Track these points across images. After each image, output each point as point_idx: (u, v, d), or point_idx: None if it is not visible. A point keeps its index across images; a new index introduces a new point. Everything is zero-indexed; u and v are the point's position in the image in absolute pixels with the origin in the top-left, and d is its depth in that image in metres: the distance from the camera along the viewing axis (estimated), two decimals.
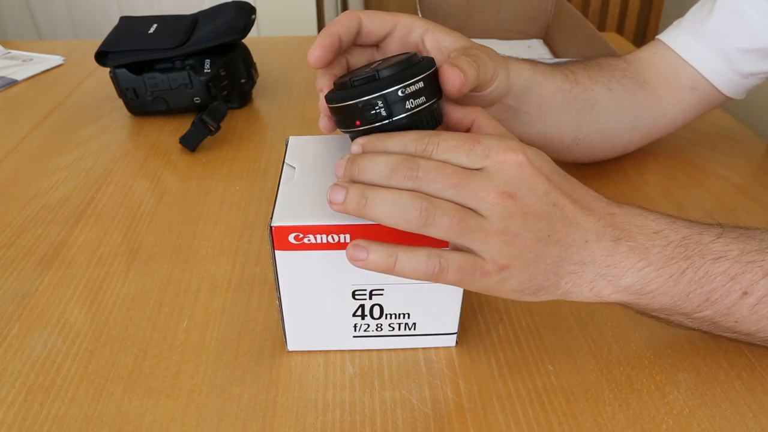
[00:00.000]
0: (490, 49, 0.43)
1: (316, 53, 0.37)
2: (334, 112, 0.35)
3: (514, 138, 0.34)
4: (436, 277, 0.32)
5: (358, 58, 0.41)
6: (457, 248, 0.33)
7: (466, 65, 0.35)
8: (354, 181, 0.33)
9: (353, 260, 0.32)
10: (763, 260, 0.35)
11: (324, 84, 0.38)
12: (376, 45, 0.42)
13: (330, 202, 0.32)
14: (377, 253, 0.32)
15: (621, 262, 0.34)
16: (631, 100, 0.55)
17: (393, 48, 0.41)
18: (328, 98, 0.35)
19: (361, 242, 0.32)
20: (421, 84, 0.33)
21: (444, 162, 0.32)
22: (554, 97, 0.50)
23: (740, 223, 0.53)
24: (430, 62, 0.34)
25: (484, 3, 0.98)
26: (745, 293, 0.35)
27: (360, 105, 0.33)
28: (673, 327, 0.39)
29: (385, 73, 0.33)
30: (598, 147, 0.56)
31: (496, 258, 0.32)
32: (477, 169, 0.32)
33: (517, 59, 0.47)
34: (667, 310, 0.36)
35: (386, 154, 0.32)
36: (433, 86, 0.34)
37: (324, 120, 0.38)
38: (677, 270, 0.35)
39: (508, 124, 0.49)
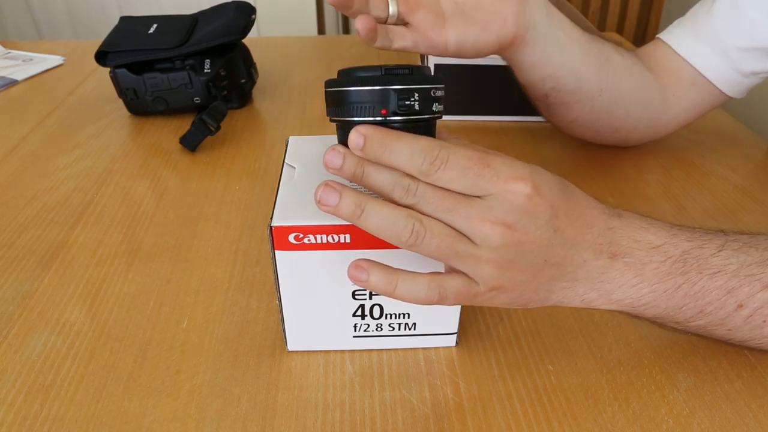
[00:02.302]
0: None
1: None
2: (345, 96, 0.32)
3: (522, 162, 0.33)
4: (435, 303, 0.32)
5: None
6: (452, 269, 0.33)
7: None
8: (353, 180, 0.32)
9: (354, 280, 0.32)
10: (762, 273, 0.35)
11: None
12: None
13: (319, 202, 0.31)
14: (377, 276, 0.32)
15: (615, 278, 0.34)
16: (639, 75, 0.56)
17: None
18: (341, 81, 0.32)
19: (362, 263, 0.32)
20: (443, 92, 0.33)
21: (447, 182, 0.31)
22: (573, 30, 0.51)
23: (740, 223, 0.53)
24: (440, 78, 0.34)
25: None
26: (741, 306, 0.35)
27: (394, 92, 0.31)
28: (668, 330, 0.39)
29: (417, 71, 0.32)
30: (617, 109, 0.56)
31: (488, 281, 0.32)
32: (479, 196, 0.31)
33: None
34: (660, 318, 0.36)
35: (389, 170, 0.31)
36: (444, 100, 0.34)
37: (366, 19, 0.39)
38: (672, 285, 0.34)
39: (545, 47, 0.51)
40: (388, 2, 0.44)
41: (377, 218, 0.31)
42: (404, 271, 0.32)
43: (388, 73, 0.31)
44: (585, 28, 0.53)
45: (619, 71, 0.54)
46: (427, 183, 0.31)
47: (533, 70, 0.52)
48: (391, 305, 0.38)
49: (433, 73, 0.34)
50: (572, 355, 0.40)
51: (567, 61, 0.51)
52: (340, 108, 0.32)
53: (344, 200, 0.31)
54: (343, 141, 0.33)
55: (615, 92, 0.55)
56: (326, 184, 0.31)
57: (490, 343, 0.41)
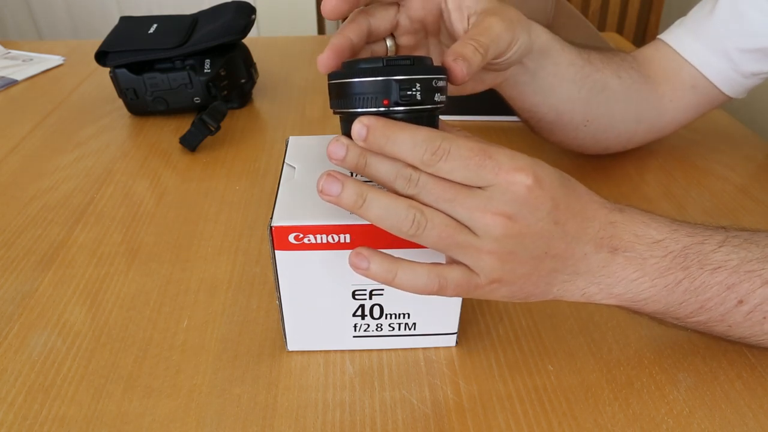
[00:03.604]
0: (511, 11, 0.42)
1: (332, 2, 0.35)
2: (347, 87, 0.32)
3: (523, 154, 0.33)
4: (435, 293, 0.32)
5: (381, 21, 0.40)
6: (453, 260, 0.33)
7: (470, 53, 0.35)
8: (356, 170, 0.32)
9: (354, 267, 0.32)
10: (763, 269, 0.35)
11: (336, 42, 0.36)
12: (398, 4, 0.41)
13: (321, 192, 0.31)
14: (378, 265, 0.32)
15: (616, 272, 0.34)
16: (638, 92, 0.55)
17: (415, 6, 0.41)
18: (343, 73, 0.32)
19: (363, 251, 0.32)
20: (445, 82, 0.33)
21: (449, 172, 0.31)
22: (568, 69, 0.50)
23: (740, 223, 0.53)
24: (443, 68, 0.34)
25: None
26: (741, 302, 0.35)
27: (396, 82, 0.31)
28: (667, 327, 0.39)
29: (418, 61, 0.32)
30: (604, 133, 0.56)
31: (488, 273, 0.32)
32: (480, 187, 0.31)
33: (538, 24, 0.47)
34: (660, 314, 0.36)
35: (391, 161, 0.31)
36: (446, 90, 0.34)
37: (328, 56, 0.36)
38: (673, 281, 0.34)
39: (525, 89, 0.49)
40: (386, 42, 0.43)
41: (378, 208, 0.31)
42: (404, 260, 0.32)
43: (389, 64, 0.31)
44: (593, 43, 0.52)
45: (615, 97, 0.54)
46: (429, 173, 0.31)
47: (509, 101, 0.52)
48: (391, 305, 0.38)
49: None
50: (572, 355, 0.40)
51: (547, 100, 0.51)
52: (343, 99, 0.33)
53: (346, 190, 0.31)
54: (347, 133, 0.33)
55: (605, 119, 0.55)
56: (328, 174, 0.31)
57: (490, 343, 0.41)
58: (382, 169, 0.32)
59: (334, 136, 0.33)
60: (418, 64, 0.32)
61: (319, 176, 0.32)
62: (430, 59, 0.34)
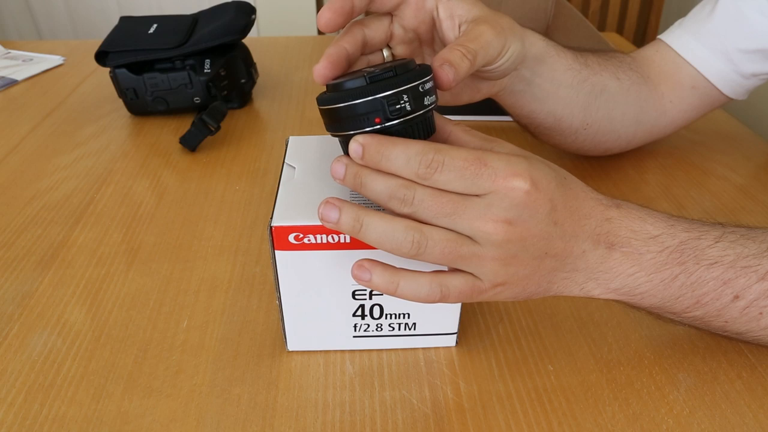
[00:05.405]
0: (503, 19, 0.41)
1: (327, 15, 0.36)
2: (337, 113, 0.32)
3: (519, 155, 0.33)
4: (438, 301, 0.33)
5: (375, 31, 0.40)
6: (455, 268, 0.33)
7: (458, 59, 0.35)
8: (355, 190, 0.33)
9: (357, 279, 0.33)
10: (759, 265, 0.35)
11: (332, 52, 0.36)
12: (392, 14, 0.41)
13: (322, 219, 0.32)
14: (380, 276, 0.32)
15: (613, 268, 0.34)
16: (637, 93, 0.55)
17: (408, 16, 0.41)
18: (330, 98, 0.32)
19: (365, 263, 0.33)
20: (432, 82, 0.33)
21: (445, 183, 0.31)
22: (565, 74, 0.50)
23: (740, 223, 0.53)
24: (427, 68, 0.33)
25: (484, 3, 0.98)
26: (737, 297, 0.35)
27: (384, 99, 0.31)
28: (665, 322, 0.39)
29: (401, 69, 0.32)
30: (604, 136, 0.56)
31: (491, 278, 0.32)
32: (478, 195, 0.31)
33: (533, 31, 0.47)
34: (656, 308, 0.37)
35: (386, 177, 0.31)
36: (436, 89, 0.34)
37: (324, 65, 0.35)
38: (669, 275, 0.35)
39: (521, 97, 0.49)
40: (383, 52, 0.43)
41: (376, 232, 0.31)
42: (406, 270, 0.33)
43: (373, 81, 0.31)
44: (593, 44, 0.52)
45: (614, 99, 0.54)
46: (426, 186, 0.31)
47: (507, 109, 0.52)
48: (391, 305, 0.38)
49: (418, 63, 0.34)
50: (572, 355, 0.40)
51: (545, 107, 0.51)
52: (337, 124, 0.33)
53: (343, 216, 0.32)
54: (346, 153, 0.33)
55: (604, 122, 0.55)
56: (326, 201, 0.32)
57: (490, 343, 0.41)
58: (376, 189, 0.32)
59: (338, 156, 0.33)
60: (402, 73, 0.31)
61: (317, 187, 0.32)
62: (413, 61, 0.34)
